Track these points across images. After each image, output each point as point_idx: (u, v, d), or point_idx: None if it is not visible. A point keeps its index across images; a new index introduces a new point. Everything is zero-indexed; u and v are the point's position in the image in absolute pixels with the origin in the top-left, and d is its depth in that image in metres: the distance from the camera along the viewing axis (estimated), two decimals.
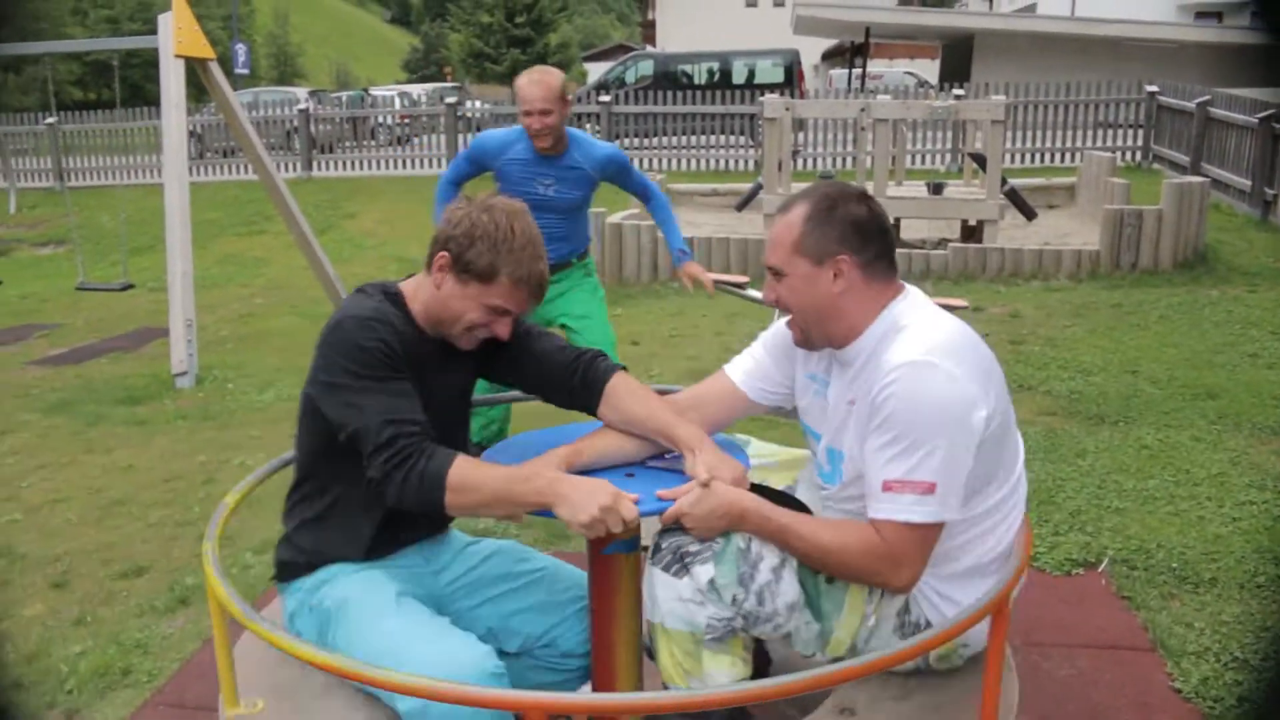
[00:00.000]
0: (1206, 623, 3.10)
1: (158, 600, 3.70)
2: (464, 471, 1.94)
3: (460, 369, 2.27)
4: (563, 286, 4.22)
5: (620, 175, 4.27)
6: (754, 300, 4.11)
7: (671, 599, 1.99)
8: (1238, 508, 3.90)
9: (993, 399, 1.88)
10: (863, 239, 1.97)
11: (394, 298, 2.21)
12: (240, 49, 30.36)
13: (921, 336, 1.90)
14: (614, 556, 2.21)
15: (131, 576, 3.94)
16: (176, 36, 7.39)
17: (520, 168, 4.06)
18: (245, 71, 30.90)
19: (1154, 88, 14.45)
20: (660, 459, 2.22)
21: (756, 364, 2.26)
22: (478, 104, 20.71)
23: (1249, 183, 10.79)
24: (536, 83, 3.90)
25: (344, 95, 22.92)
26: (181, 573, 3.92)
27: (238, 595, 1.85)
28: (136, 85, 30.38)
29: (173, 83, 7.45)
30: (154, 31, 7.52)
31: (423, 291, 2.19)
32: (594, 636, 2.33)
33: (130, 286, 9.01)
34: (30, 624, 3.61)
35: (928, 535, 1.87)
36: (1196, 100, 12.54)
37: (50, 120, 17.41)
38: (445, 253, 2.12)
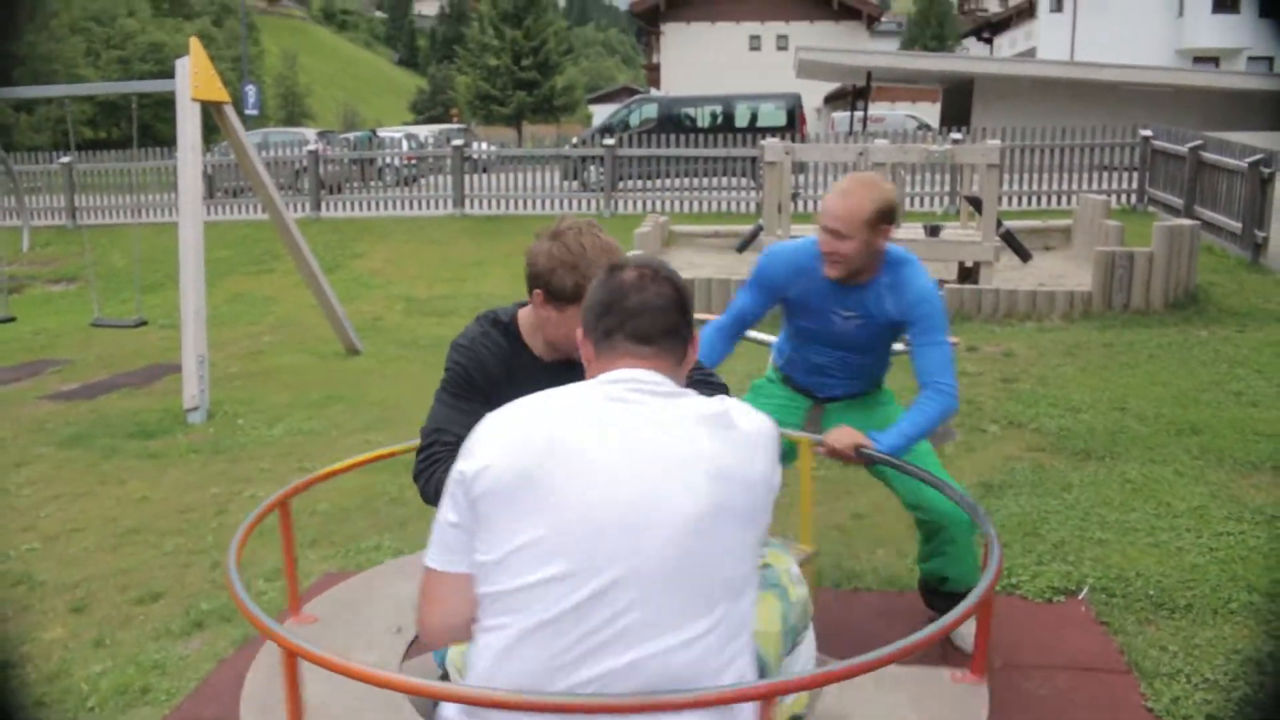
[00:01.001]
0: (1180, 646, 3.24)
1: (174, 624, 3.84)
2: None
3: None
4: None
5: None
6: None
7: None
8: (1215, 538, 4.04)
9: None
10: None
11: (502, 325, 2.47)
12: (250, 90, 30.88)
13: None
14: None
15: (148, 602, 4.08)
16: (194, 81, 7.63)
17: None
18: (255, 112, 31.38)
19: (1148, 132, 14.71)
20: None
21: None
22: (484, 145, 21.04)
23: (1240, 225, 10.99)
24: (842, 193, 3.01)
25: (352, 136, 23.24)
26: (196, 598, 4.06)
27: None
28: (146, 124, 30.79)
29: (189, 126, 7.68)
30: (165, 72, 7.78)
31: (537, 321, 2.43)
32: None
33: (143, 323, 9.19)
34: (51, 646, 3.75)
35: None
36: (1189, 144, 12.77)
37: (65, 159, 17.73)
38: (538, 290, 2.32)
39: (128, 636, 3.78)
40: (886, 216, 2.96)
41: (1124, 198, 14.94)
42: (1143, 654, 3.21)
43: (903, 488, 3.13)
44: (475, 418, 2.17)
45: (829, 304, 3.13)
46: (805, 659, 2.08)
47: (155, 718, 3.16)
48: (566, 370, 2.32)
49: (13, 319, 10.05)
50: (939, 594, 3.31)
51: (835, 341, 3.19)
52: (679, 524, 1.60)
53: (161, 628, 3.82)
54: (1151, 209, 14.29)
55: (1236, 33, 36.17)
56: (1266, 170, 10.60)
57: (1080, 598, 3.64)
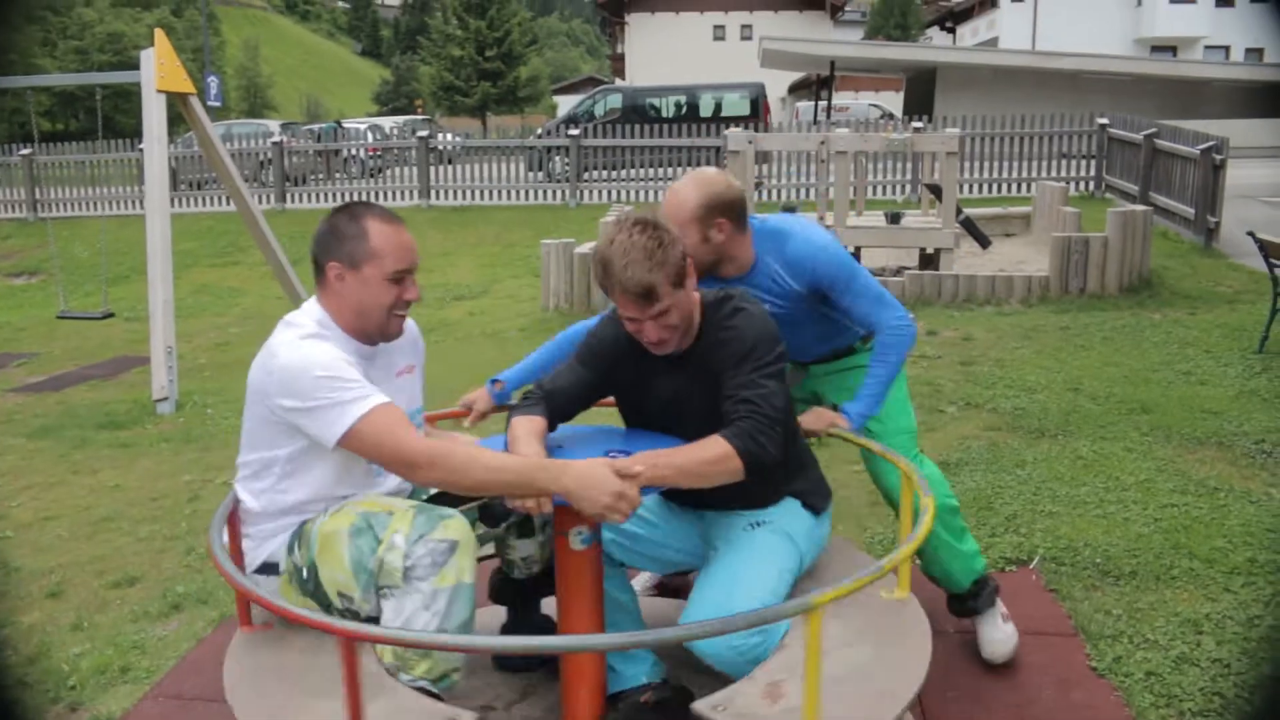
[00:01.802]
0: (1124, 610, 3.39)
1: (151, 607, 3.91)
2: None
3: (666, 376, 2.57)
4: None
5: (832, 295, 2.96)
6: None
7: None
8: (1160, 510, 4.20)
9: None
10: None
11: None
12: (212, 81, 30.60)
13: None
14: (569, 549, 2.47)
15: (124, 586, 4.15)
16: (159, 72, 7.65)
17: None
18: (217, 104, 31.10)
19: (1105, 120, 14.96)
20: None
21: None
22: (449, 136, 21.03)
23: (1193, 211, 11.24)
24: (672, 190, 2.88)
25: (318, 127, 23.15)
26: (173, 582, 4.13)
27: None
28: (107, 116, 30.45)
29: (155, 116, 7.69)
30: (124, 63, 7.83)
31: None
32: (561, 623, 2.59)
33: (110, 315, 9.21)
34: (30, 630, 3.81)
35: None
36: (1143, 132, 13.02)
37: (25, 151, 17.58)
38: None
39: (105, 619, 3.84)
40: (718, 210, 2.79)
41: (1082, 185, 15.20)
42: (1088, 618, 3.36)
43: (873, 470, 3.09)
44: (580, 383, 2.61)
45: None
46: (410, 616, 2.22)
47: (137, 694, 3.23)
48: (678, 361, 2.53)
49: None
50: (949, 597, 3.19)
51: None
52: None
53: (139, 610, 3.89)
54: (1109, 195, 14.55)
55: (1194, 22, 36.77)
56: (1218, 157, 10.85)
57: (1031, 567, 3.79)
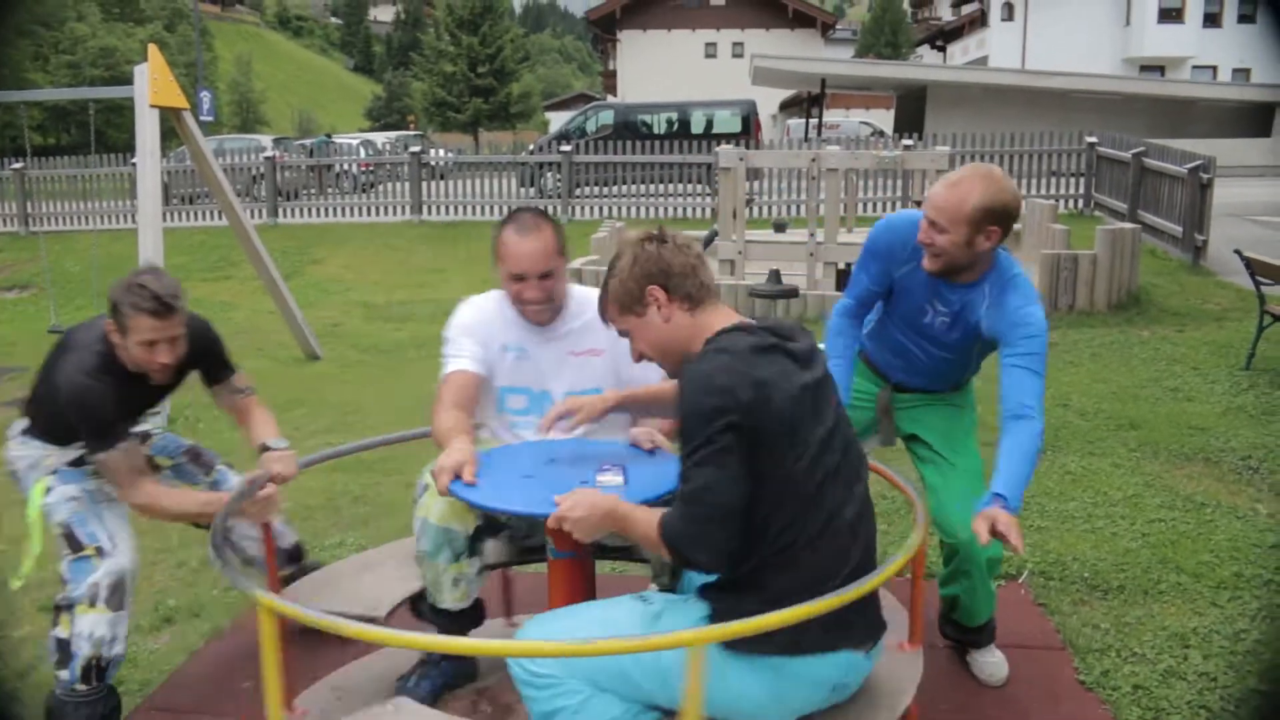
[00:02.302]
0: (1111, 624, 3.43)
1: (143, 620, 3.91)
2: None
3: None
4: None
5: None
6: None
7: None
8: (1147, 525, 4.24)
9: None
10: None
11: None
12: (205, 96, 30.60)
13: None
14: (566, 561, 2.50)
15: None
16: (152, 87, 7.66)
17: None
18: (209, 119, 31.12)
19: (1093, 138, 15.07)
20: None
21: (474, 349, 2.84)
22: (441, 152, 21.09)
23: (1181, 229, 11.32)
24: (951, 184, 2.71)
25: (309, 142, 23.19)
26: (164, 595, 4.13)
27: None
28: (98, 130, 30.50)
29: (148, 131, 7.70)
30: (116, 78, 7.85)
31: None
32: None
33: None
34: (20, 644, 3.81)
35: None
36: (1132, 151, 13.12)
37: (17, 165, 17.57)
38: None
39: None
40: (995, 217, 2.65)
41: (1071, 202, 15.30)
42: (1076, 632, 3.39)
43: (932, 501, 3.01)
44: None
45: (926, 294, 2.89)
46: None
47: (129, 708, 3.24)
48: None
49: None
50: (949, 620, 3.20)
51: (921, 331, 2.96)
52: None
53: (131, 624, 3.88)
54: (1097, 213, 14.65)
55: (1181, 42, 37.03)
56: (1205, 176, 10.93)
57: (1020, 581, 3.82)
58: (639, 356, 2.35)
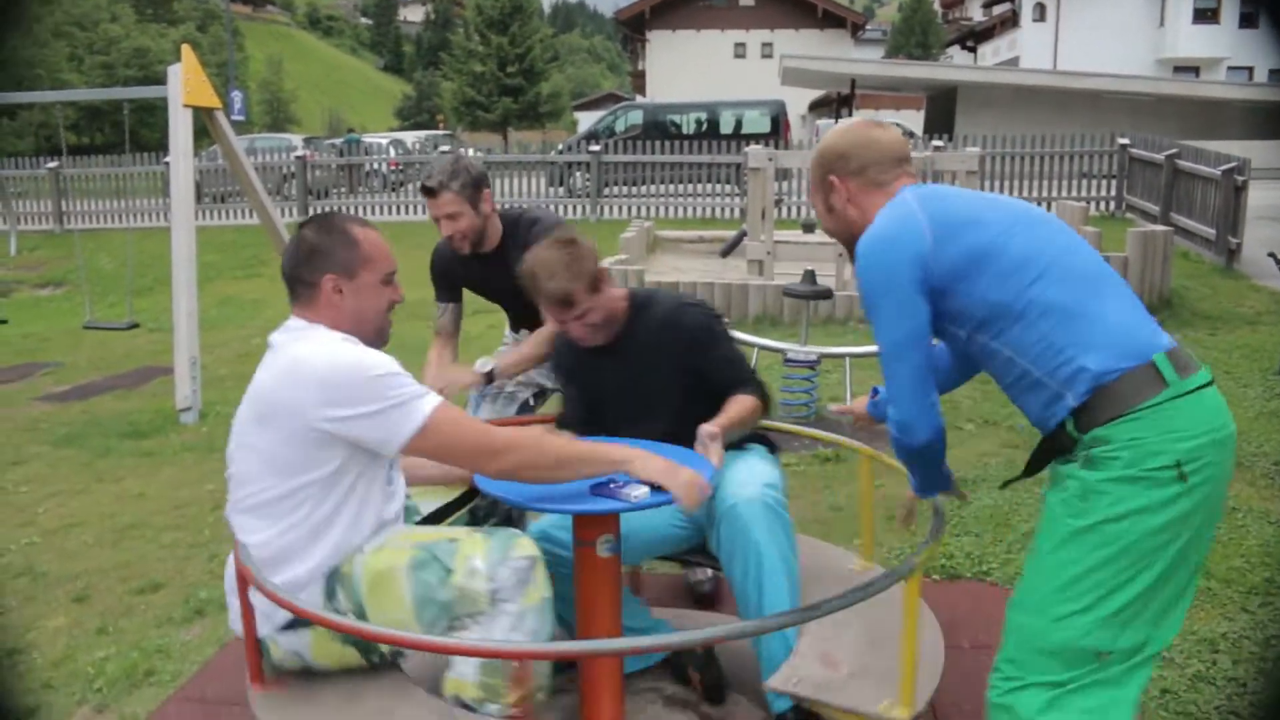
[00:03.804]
0: None
1: (175, 612, 3.97)
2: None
3: (611, 371, 3.10)
4: None
5: None
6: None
7: None
8: None
9: None
10: None
11: None
12: (236, 96, 30.86)
13: None
14: (597, 557, 2.52)
15: (149, 592, 4.21)
16: (185, 87, 7.75)
17: None
18: (240, 118, 31.39)
19: (1125, 140, 14.95)
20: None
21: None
22: (470, 151, 21.18)
23: (1214, 232, 11.22)
24: None
25: (339, 141, 23.37)
26: (196, 588, 4.19)
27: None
28: (133, 130, 30.81)
29: (181, 131, 7.78)
30: (150, 78, 7.94)
31: None
32: (579, 630, 2.63)
33: (135, 326, 9.28)
34: (56, 634, 3.87)
35: None
36: (1165, 153, 13.01)
37: (53, 164, 17.80)
38: None
39: (130, 624, 3.90)
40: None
41: (1103, 205, 15.19)
42: None
43: None
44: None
45: None
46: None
47: (161, 697, 3.29)
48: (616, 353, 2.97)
49: (4, 321, 10.12)
50: None
51: None
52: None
53: (163, 615, 3.94)
54: (1129, 215, 14.53)
55: (1217, 43, 36.65)
56: (1240, 178, 10.83)
57: None
58: (588, 331, 2.86)
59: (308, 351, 2.25)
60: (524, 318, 3.76)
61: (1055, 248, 2.07)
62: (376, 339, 2.41)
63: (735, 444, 2.88)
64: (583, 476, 2.34)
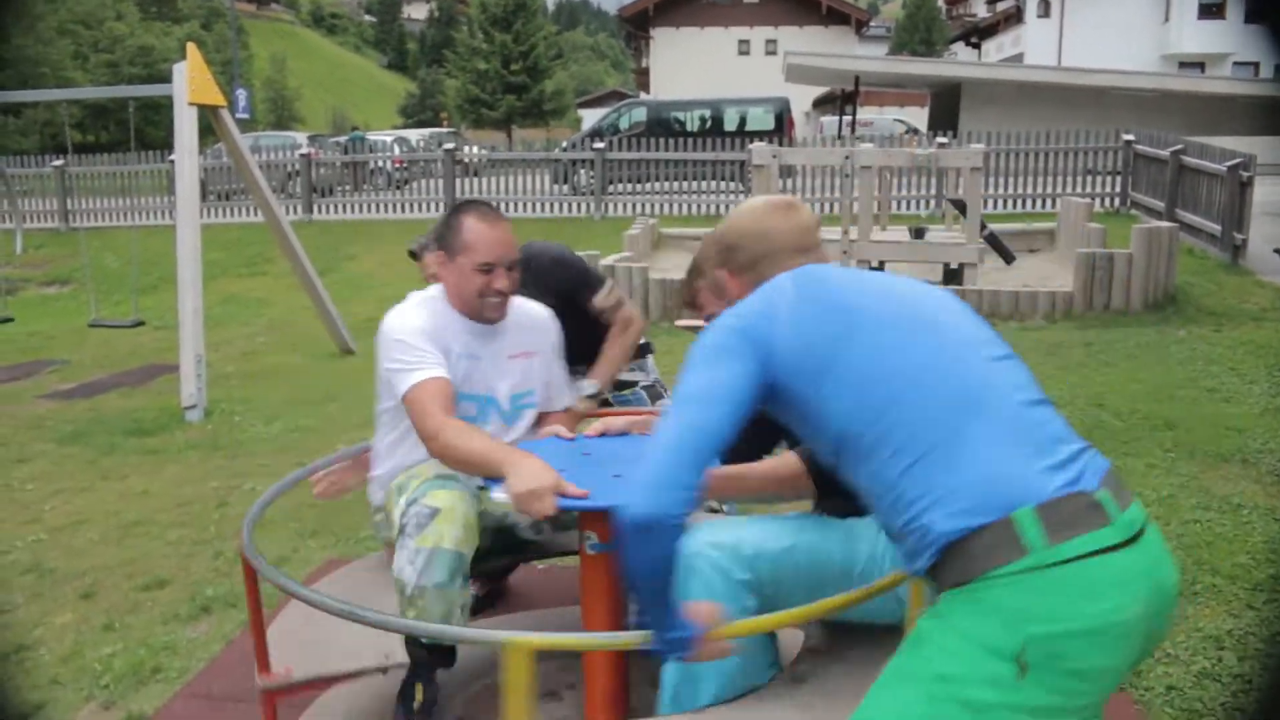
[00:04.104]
0: None
1: (181, 609, 3.97)
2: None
3: None
4: None
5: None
6: None
7: None
8: (1183, 525, 4.21)
9: None
10: None
11: None
12: (240, 94, 30.91)
13: None
14: (601, 555, 2.52)
15: (155, 589, 4.22)
16: (190, 85, 7.77)
17: None
18: (245, 116, 31.43)
19: (1130, 136, 14.92)
20: None
21: (439, 355, 2.66)
22: (474, 149, 21.19)
23: (1219, 228, 11.19)
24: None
25: (344, 139, 23.39)
26: (202, 585, 4.19)
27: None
28: (138, 128, 30.82)
29: (186, 129, 7.80)
30: (154, 76, 7.98)
31: None
32: (584, 626, 2.63)
33: (141, 324, 9.31)
34: (63, 631, 3.88)
35: None
36: (1170, 149, 12.98)
37: (58, 163, 17.83)
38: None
39: (137, 621, 3.91)
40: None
41: (1107, 201, 15.16)
42: None
43: None
44: None
45: None
46: (400, 566, 2.49)
47: (167, 694, 3.29)
48: None
49: (10, 319, 10.14)
50: None
51: None
52: None
53: (169, 612, 3.95)
54: (1134, 212, 14.50)
55: (1222, 38, 36.56)
56: (1245, 174, 10.80)
57: None
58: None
59: (399, 305, 2.78)
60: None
61: (918, 362, 1.70)
62: (475, 316, 2.77)
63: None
64: (477, 474, 2.48)
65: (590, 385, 3.25)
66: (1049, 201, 15.37)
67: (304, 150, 18.17)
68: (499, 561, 3.11)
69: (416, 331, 2.64)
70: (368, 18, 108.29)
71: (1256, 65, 36.23)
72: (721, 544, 2.17)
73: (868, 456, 1.68)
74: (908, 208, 15.87)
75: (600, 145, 17.23)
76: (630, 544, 1.65)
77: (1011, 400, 1.69)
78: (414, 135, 28.62)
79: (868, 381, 1.68)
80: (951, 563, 1.59)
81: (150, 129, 32.36)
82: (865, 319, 1.74)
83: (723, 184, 17.05)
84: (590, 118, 38.33)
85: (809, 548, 2.18)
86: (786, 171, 15.33)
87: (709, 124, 22.36)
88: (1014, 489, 1.57)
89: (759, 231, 2.04)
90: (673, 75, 44.05)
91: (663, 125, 21.62)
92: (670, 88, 40.03)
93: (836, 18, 46.62)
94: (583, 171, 17.69)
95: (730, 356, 1.73)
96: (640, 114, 22.71)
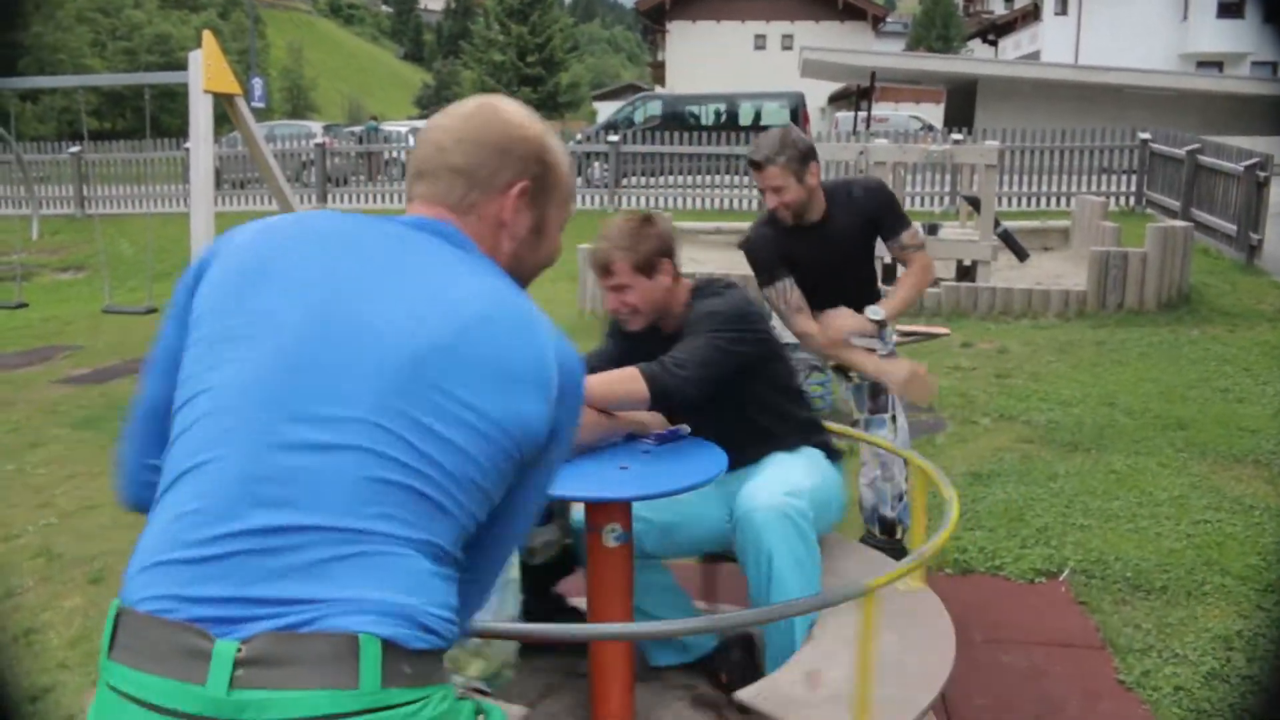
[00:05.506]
0: (1153, 624, 3.39)
1: None
2: None
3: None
4: None
5: None
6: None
7: None
8: (1193, 525, 4.19)
9: None
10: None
11: None
12: (256, 83, 30.98)
13: None
14: (604, 546, 2.52)
15: None
16: (206, 73, 7.76)
17: None
18: (261, 105, 31.51)
19: (1146, 135, 14.85)
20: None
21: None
22: None
23: (1235, 228, 11.13)
24: None
25: (359, 129, 23.43)
26: None
27: None
28: (154, 116, 30.93)
29: (201, 117, 7.79)
30: (172, 63, 7.97)
31: None
32: (591, 618, 2.63)
33: (154, 310, 9.31)
34: (71, 614, 3.91)
35: None
36: (1186, 148, 12.91)
37: (75, 149, 17.90)
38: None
39: None
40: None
41: (1123, 199, 15.09)
42: (1117, 631, 3.36)
43: None
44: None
45: None
46: None
47: None
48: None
49: (25, 305, 10.18)
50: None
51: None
52: None
53: None
54: (1150, 211, 14.43)
55: (1241, 38, 36.33)
56: (1262, 174, 10.74)
57: (1061, 579, 3.79)
58: (623, 307, 2.78)
59: None
60: (836, 293, 3.58)
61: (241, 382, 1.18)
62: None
63: (787, 446, 2.84)
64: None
65: (877, 310, 3.46)
66: (1064, 200, 15.31)
67: (319, 140, 18.20)
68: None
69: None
70: (385, 8, 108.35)
71: (1275, 65, 36.02)
72: (797, 492, 2.61)
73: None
74: (922, 204, 15.82)
75: (615, 138, 17.22)
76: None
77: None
78: None
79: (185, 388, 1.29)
80: None
81: (166, 116, 32.46)
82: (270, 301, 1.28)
83: (737, 178, 17.02)
84: (605, 111, 38.33)
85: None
86: None
87: (724, 118, 22.32)
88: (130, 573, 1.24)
89: None
90: (688, 69, 43.97)
91: (678, 119, 21.58)
92: (686, 81, 39.98)
93: (853, 13, 46.48)
94: (597, 164, 17.68)
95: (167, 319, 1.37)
96: (655, 107, 22.68)
